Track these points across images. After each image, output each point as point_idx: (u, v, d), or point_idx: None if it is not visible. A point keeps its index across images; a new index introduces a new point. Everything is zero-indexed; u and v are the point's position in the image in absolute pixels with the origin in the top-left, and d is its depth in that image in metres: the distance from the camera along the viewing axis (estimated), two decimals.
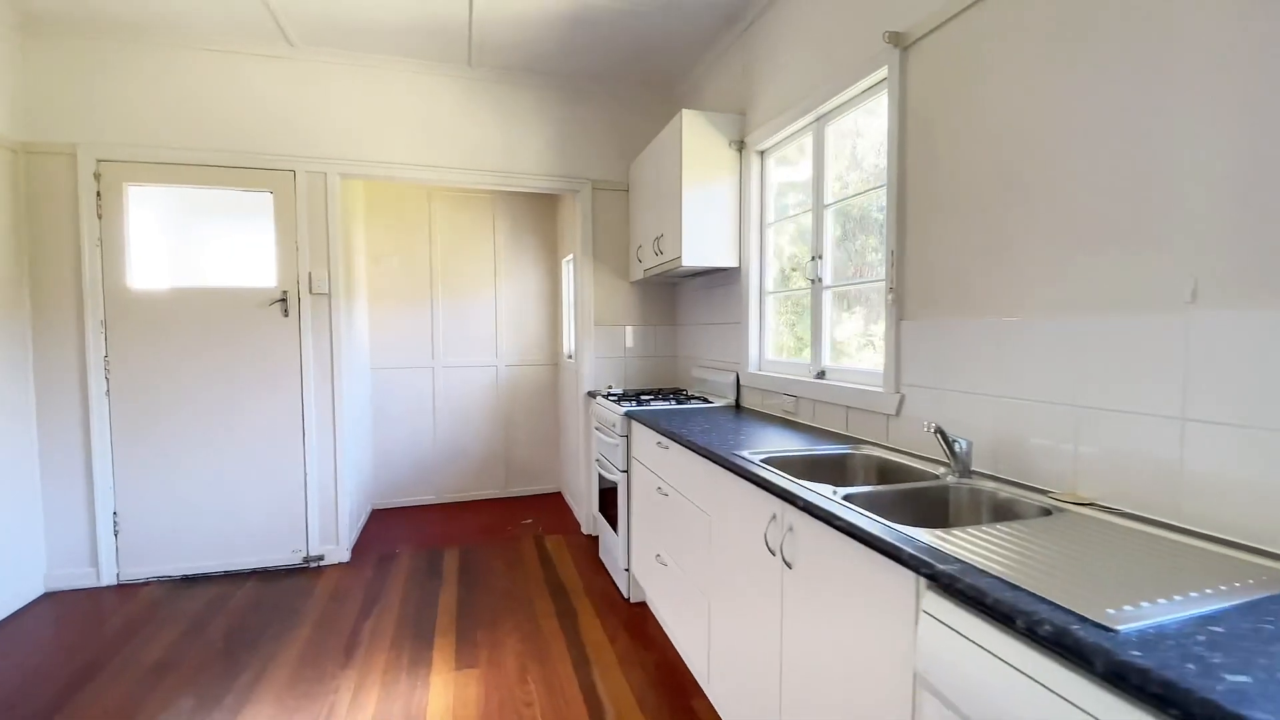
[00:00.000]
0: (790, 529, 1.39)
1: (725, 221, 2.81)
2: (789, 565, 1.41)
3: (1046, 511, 1.25)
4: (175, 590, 2.93)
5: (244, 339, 3.09)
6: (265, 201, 3.12)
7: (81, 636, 2.49)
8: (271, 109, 3.07)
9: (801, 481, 1.43)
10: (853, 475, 1.81)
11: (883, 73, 1.89)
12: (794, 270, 2.61)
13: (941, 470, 1.54)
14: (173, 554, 3.06)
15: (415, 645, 2.41)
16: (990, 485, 1.41)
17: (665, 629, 2.42)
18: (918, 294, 1.77)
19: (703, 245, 2.77)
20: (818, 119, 2.30)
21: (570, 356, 4.07)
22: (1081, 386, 1.30)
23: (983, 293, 1.55)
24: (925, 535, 1.06)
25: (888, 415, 1.88)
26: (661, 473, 2.31)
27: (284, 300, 3.12)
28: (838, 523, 1.18)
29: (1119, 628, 0.74)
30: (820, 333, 2.33)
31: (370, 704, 2.02)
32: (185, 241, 3.11)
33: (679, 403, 2.87)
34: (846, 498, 1.33)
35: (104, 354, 2.94)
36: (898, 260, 1.84)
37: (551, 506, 4.20)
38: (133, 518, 3.01)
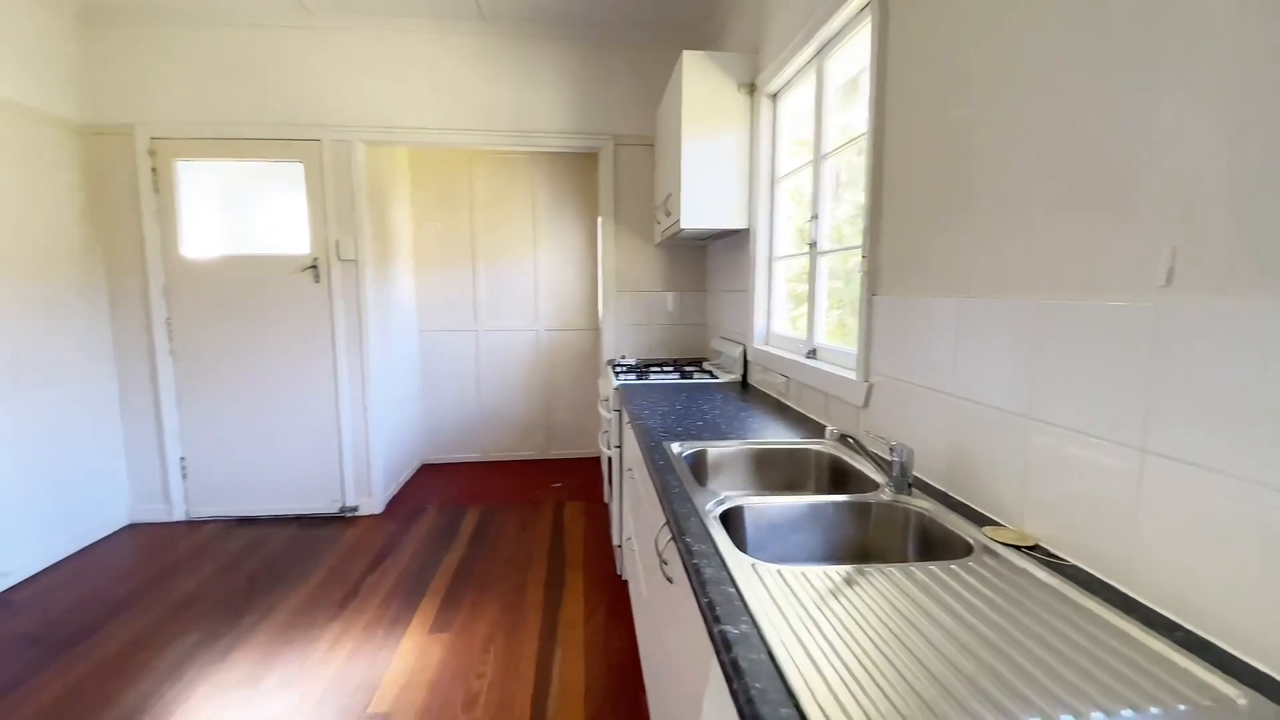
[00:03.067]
0: (670, 540, 1.21)
1: (734, 177, 2.52)
2: (670, 580, 1.23)
3: (968, 549, 0.98)
4: (229, 530, 3.26)
5: (282, 303, 3.28)
6: (297, 172, 3.24)
7: (137, 567, 2.83)
8: (297, 80, 3.15)
9: (700, 488, 1.23)
10: (801, 477, 1.56)
11: None
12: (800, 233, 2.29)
13: (884, 481, 1.27)
14: (232, 496, 3.39)
15: (404, 603, 2.49)
16: (924, 506, 1.13)
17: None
18: (893, 264, 1.45)
19: (706, 205, 2.51)
20: (819, 50, 1.95)
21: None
22: (1036, 392, 0.98)
23: (950, 264, 1.23)
24: (763, 576, 0.85)
25: (857, 407, 1.59)
26: (630, 452, 2.17)
27: (315, 267, 3.26)
28: (679, 546, 0.99)
29: None
30: (815, 304, 2.03)
31: (339, 659, 2.12)
32: (232, 212, 3.32)
33: (685, 377, 2.68)
34: (725, 515, 1.12)
35: (165, 316, 3.24)
36: (873, 224, 1.52)
37: (587, 472, 4.18)
38: (197, 462, 3.36)
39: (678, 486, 1.24)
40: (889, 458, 1.21)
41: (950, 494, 1.20)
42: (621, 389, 2.44)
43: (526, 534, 3.17)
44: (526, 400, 4.40)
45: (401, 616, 2.39)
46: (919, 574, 0.87)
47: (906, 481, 1.20)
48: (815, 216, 2.00)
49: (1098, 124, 0.87)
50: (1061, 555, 0.93)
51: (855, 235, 1.89)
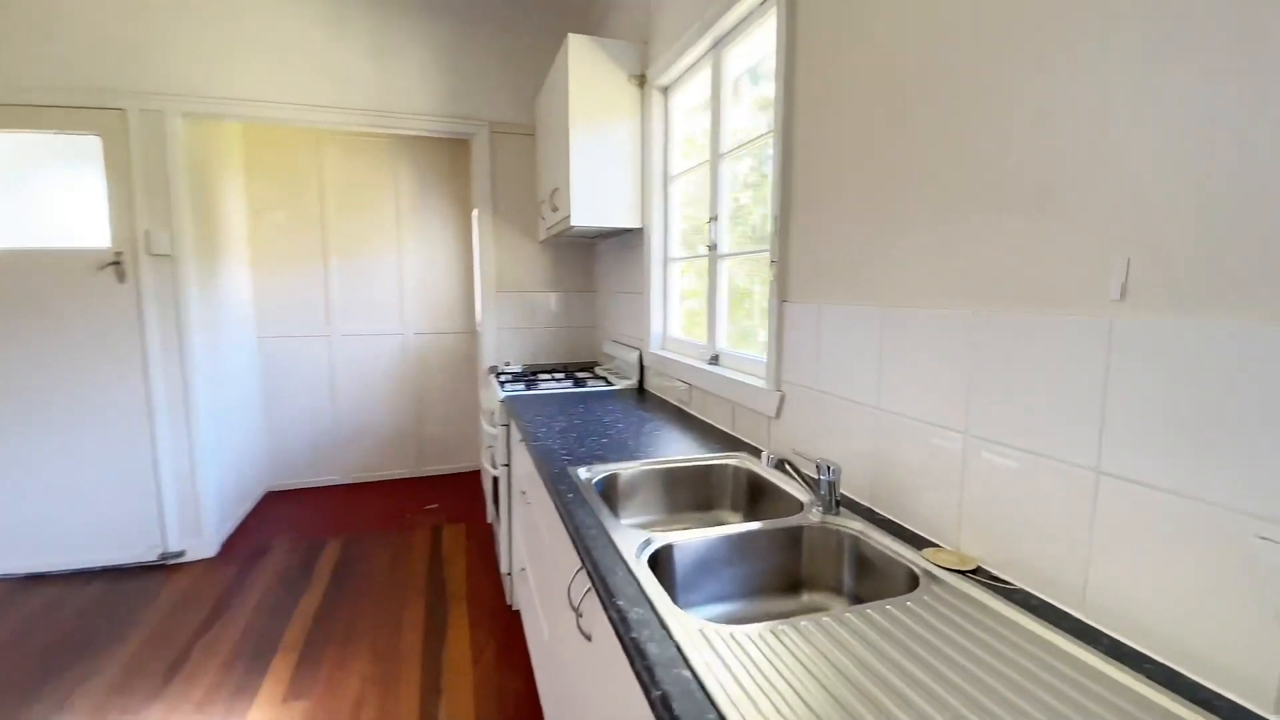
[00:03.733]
0: (588, 591, 1.05)
1: (626, 173, 2.38)
2: (588, 637, 1.07)
3: (913, 579, 0.91)
4: (12, 592, 2.58)
5: (76, 308, 2.65)
6: (93, 147, 2.63)
7: None
8: (94, 36, 2.55)
9: (616, 522, 1.08)
10: (718, 496, 1.46)
11: None
12: (697, 234, 2.21)
13: (808, 499, 1.20)
14: (13, 549, 2.69)
15: (250, 666, 2.08)
16: (856, 527, 1.07)
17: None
18: (805, 269, 1.39)
19: (597, 202, 2.35)
20: (715, 42, 1.86)
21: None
22: (975, 407, 0.94)
23: (873, 271, 1.17)
24: (715, 644, 0.72)
25: (769, 417, 1.52)
26: (521, 472, 1.97)
27: (118, 263, 2.67)
28: (610, 612, 0.83)
29: None
30: (715, 309, 1.95)
31: None
32: (4, 197, 2.63)
33: (578, 384, 2.50)
34: (654, 557, 0.98)
35: None
36: (782, 226, 1.45)
37: (465, 488, 3.87)
38: None
39: (593, 526, 1.07)
40: (815, 475, 1.13)
41: (877, 510, 1.15)
42: (509, 401, 2.22)
43: (399, 566, 2.83)
44: (394, 412, 3.97)
45: (247, 683, 2.00)
46: (879, 619, 0.79)
47: (835, 500, 1.13)
48: (714, 218, 1.91)
49: (1046, 124, 0.83)
50: (1006, 578, 0.89)
51: (739, 240, 1.83)
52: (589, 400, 2.22)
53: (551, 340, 3.28)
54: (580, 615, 1.09)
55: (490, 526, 3.25)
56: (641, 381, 2.51)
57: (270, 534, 3.18)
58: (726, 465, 1.46)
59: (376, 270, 3.85)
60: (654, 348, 2.40)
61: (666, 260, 2.37)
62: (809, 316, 1.36)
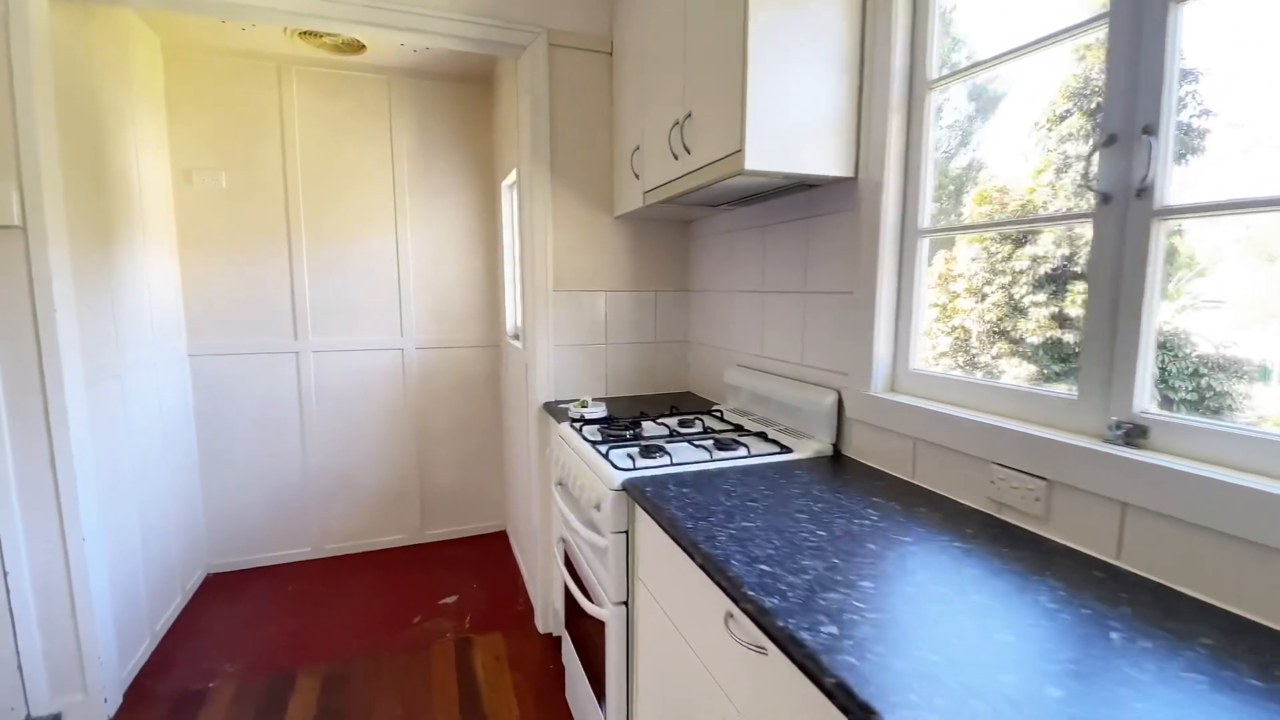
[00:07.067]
0: None
1: (831, 83, 1.35)
2: None
3: None
4: None
5: None
6: None
7: None
8: None
9: None
10: None
11: None
12: (1036, 186, 1.19)
13: None
14: None
15: None
16: None
17: None
18: None
19: (785, 131, 1.32)
20: None
21: (516, 337, 2.60)
22: None
23: None
24: None
25: None
26: (728, 684, 0.92)
27: None
28: None
29: None
30: (1139, 319, 0.93)
31: None
32: None
33: (721, 446, 1.46)
34: None
35: None
36: None
37: (491, 562, 2.79)
38: None
39: None
40: None
41: None
42: (641, 493, 1.18)
43: None
44: (390, 456, 2.87)
45: None
46: None
47: None
48: (1147, 130, 0.90)
49: None
50: None
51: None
52: (782, 486, 1.19)
53: (627, 362, 2.23)
54: None
55: (546, 641, 2.18)
56: (838, 444, 1.49)
57: (207, 662, 2.06)
58: None
59: (365, 259, 2.75)
60: (876, 388, 1.38)
61: (904, 233, 1.35)
62: None
